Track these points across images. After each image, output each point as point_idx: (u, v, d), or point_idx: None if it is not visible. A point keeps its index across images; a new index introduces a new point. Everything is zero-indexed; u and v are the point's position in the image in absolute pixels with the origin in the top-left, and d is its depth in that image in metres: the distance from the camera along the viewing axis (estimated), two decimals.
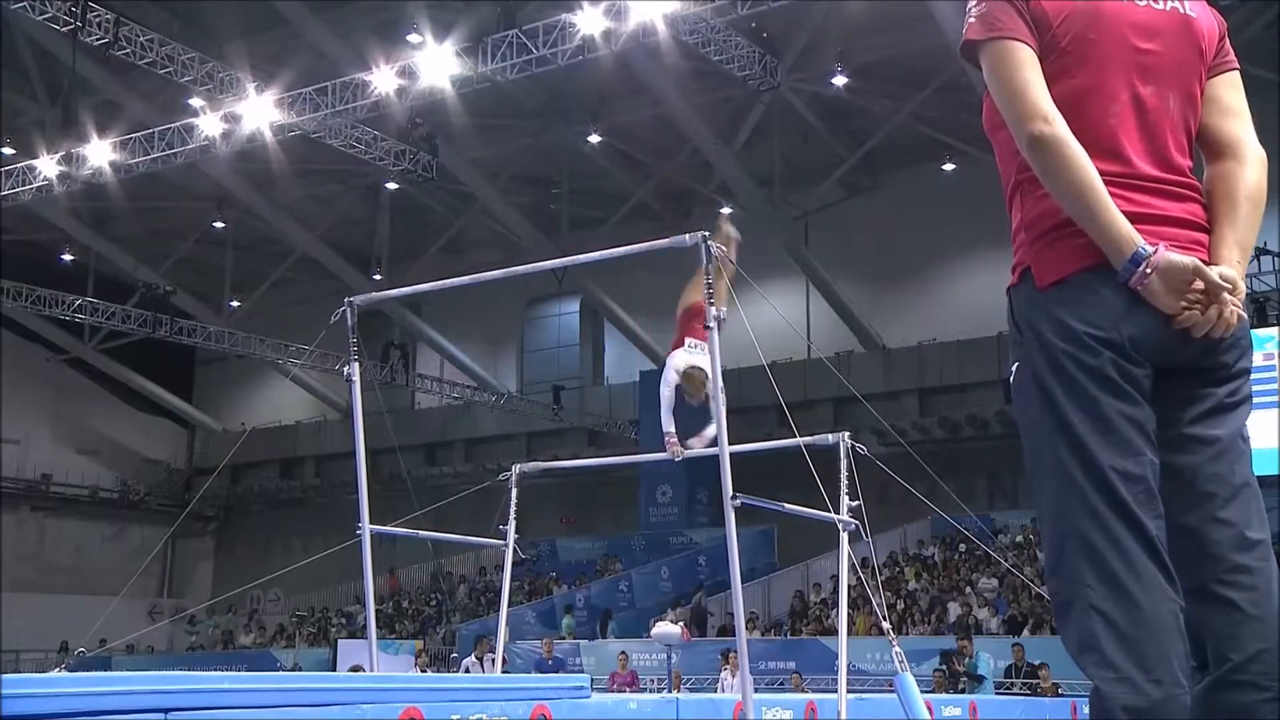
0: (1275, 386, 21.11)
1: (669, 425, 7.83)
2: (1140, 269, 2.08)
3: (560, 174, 29.36)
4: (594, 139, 27.19)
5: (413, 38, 21.23)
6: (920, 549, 23.65)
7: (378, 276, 30.37)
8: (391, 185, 29.08)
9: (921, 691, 7.18)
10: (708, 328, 6.79)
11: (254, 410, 37.08)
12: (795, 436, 7.87)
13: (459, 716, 5.03)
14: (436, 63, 18.76)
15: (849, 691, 9.12)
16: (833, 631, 17.98)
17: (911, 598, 20.83)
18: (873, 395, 23.07)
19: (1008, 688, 15.50)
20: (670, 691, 13.91)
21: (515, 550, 9.25)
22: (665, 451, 7.97)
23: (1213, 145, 2.36)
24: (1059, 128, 2.14)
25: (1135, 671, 2.01)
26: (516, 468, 9.43)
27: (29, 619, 28.41)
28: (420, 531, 10.32)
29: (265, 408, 37.20)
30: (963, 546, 22.36)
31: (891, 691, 7.33)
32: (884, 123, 25.62)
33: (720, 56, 19.89)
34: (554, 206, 30.07)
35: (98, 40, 17.90)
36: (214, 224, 31.56)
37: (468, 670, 14.18)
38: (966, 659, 15.69)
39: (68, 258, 32.12)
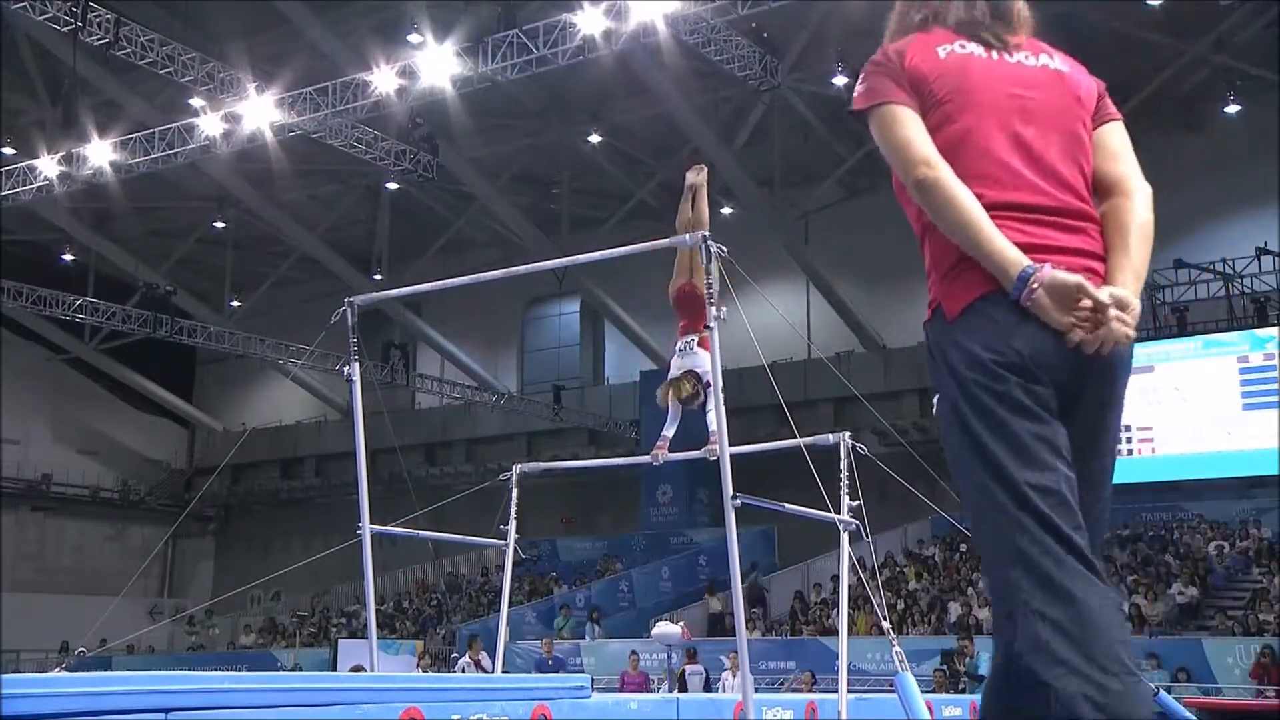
0: (1275, 387, 21.10)
1: (666, 431, 7.78)
2: (1028, 286, 2.18)
3: (560, 174, 29.35)
4: (594, 139, 27.19)
5: (413, 38, 21.23)
6: (920, 549, 23.64)
7: (378, 276, 30.36)
8: (392, 185, 29.08)
9: (922, 691, 7.17)
10: (708, 328, 6.78)
11: (254, 410, 37.07)
12: (796, 436, 7.86)
13: (459, 717, 5.03)
14: (437, 63, 18.76)
15: (849, 691, 9.12)
16: (833, 631, 17.97)
17: (912, 597, 20.82)
18: (873, 395, 23.05)
19: None
20: (672, 691, 13.91)
21: (516, 550, 9.25)
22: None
23: (1102, 186, 2.45)
24: (941, 171, 2.28)
25: (1088, 665, 2.04)
26: (517, 468, 9.42)
27: (29, 619, 28.40)
28: (421, 531, 10.32)
29: (265, 408, 37.20)
30: (963, 546, 22.34)
31: (892, 691, 7.33)
32: None
33: (720, 56, 19.89)
34: (554, 206, 30.06)
35: (98, 40, 17.89)
36: (214, 224, 31.57)
37: (463, 670, 14.18)
38: (967, 659, 15.68)
39: (68, 258, 32.11)
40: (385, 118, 21.76)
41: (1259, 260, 22.29)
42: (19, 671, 22.53)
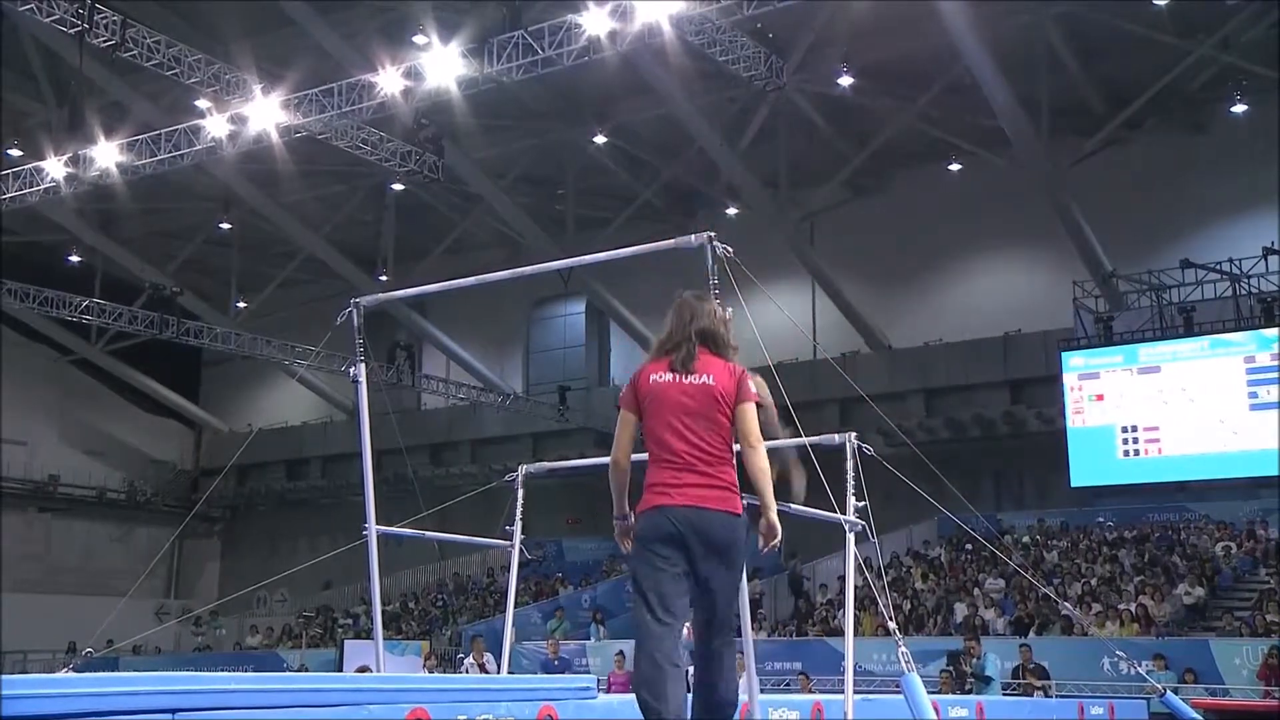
0: (1276, 387, 21.08)
1: None
2: (619, 521, 4.59)
3: (565, 175, 29.36)
4: (599, 140, 27.19)
5: (418, 39, 21.26)
6: (926, 549, 23.61)
7: (383, 277, 30.39)
8: (397, 186, 29.11)
9: (928, 692, 7.15)
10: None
11: (260, 411, 37.13)
12: (801, 437, 7.84)
13: (465, 717, 5.02)
14: (442, 64, 18.77)
15: (855, 692, 9.10)
16: (839, 632, 17.96)
17: (918, 598, 20.80)
18: (878, 395, 23.05)
19: (1015, 689, 15.47)
20: None
21: (522, 551, 9.23)
22: None
23: (741, 442, 4.53)
24: (624, 461, 4.56)
25: (654, 700, 4.22)
26: (523, 468, 9.39)
27: (36, 619, 28.48)
28: (426, 532, 10.29)
29: (271, 408, 37.26)
30: (969, 547, 22.32)
31: (898, 692, 7.31)
32: (889, 123, 25.59)
33: (725, 57, 19.89)
34: (559, 207, 30.07)
35: (105, 42, 17.93)
36: (220, 225, 31.60)
37: (466, 671, 14.17)
38: (974, 660, 15.65)
39: (74, 259, 32.20)
40: (390, 119, 21.80)
41: (1266, 260, 22.24)
42: (26, 672, 22.58)
